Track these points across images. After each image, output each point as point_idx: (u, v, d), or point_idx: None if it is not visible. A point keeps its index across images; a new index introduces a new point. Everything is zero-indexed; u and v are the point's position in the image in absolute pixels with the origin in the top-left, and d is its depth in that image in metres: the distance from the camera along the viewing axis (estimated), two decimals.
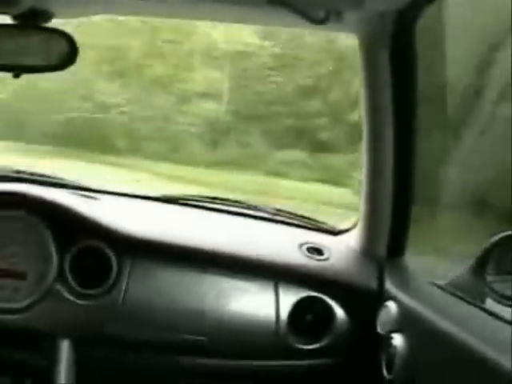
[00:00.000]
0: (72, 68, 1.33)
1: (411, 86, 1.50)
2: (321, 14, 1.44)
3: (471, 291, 1.38)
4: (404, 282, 1.57)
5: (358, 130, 1.65)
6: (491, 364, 1.09)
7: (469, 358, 1.17)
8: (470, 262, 1.37)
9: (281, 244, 1.79)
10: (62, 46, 1.34)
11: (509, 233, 1.36)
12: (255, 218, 1.94)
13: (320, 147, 3.77)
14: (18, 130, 3.88)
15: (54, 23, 1.40)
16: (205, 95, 3.89)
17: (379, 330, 1.52)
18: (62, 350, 1.53)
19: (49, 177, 1.94)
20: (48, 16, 1.39)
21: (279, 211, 1.97)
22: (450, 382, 1.21)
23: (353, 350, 1.64)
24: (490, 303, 1.33)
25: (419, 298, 1.46)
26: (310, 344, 1.62)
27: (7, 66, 1.39)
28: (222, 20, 2.12)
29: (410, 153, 1.55)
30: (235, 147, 3.89)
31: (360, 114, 1.62)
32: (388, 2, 1.40)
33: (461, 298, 1.34)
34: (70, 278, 1.59)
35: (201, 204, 1.96)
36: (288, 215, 1.97)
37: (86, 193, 1.84)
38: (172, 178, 3.83)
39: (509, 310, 1.29)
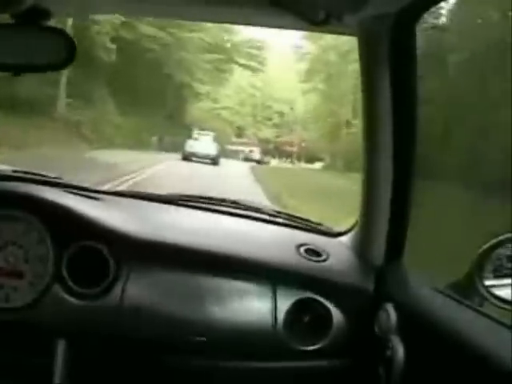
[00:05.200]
0: None
1: (411, 88, 1.50)
2: (321, 16, 1.45)
3: (469, 294, 1.38)
4: (402, 285, 1.57)
5: None
6: (489, 366, 1.09)
7: (467, 360, 1.18)
8: None
9: (279, 245, 1.78)
10: (61, 45, 1.34)
11: (507, 235, 1.37)
12: (253, 219, 1.94)
13: None
14: None
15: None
16: None
17: (377, 332, 1.52)
18: (59, 349, 1.53)
19: (47, 176, 1.94)
20: (47, 15, 1.39)
21: (277, 212, 1.96)
22: None
23: (351, 352, 1.63)
24: (488, 306, 1.33)
25: (417, 300, 1.46)
26: (308, 346, 1.61)
27: (6, 65, 1.39)
28: (223, 21, 2.14)
29: (410, 155, 1.55)
30: None
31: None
32: (388, 4, 1.40)
33: (459, 301, 1.34)
34: (67, 278, 1.58)
35: (199, 205, 1.96)
36: (286, 216, 1.97)
37: (85, 192, 1.84)
38: None
39: (506, 313, 1.29)
